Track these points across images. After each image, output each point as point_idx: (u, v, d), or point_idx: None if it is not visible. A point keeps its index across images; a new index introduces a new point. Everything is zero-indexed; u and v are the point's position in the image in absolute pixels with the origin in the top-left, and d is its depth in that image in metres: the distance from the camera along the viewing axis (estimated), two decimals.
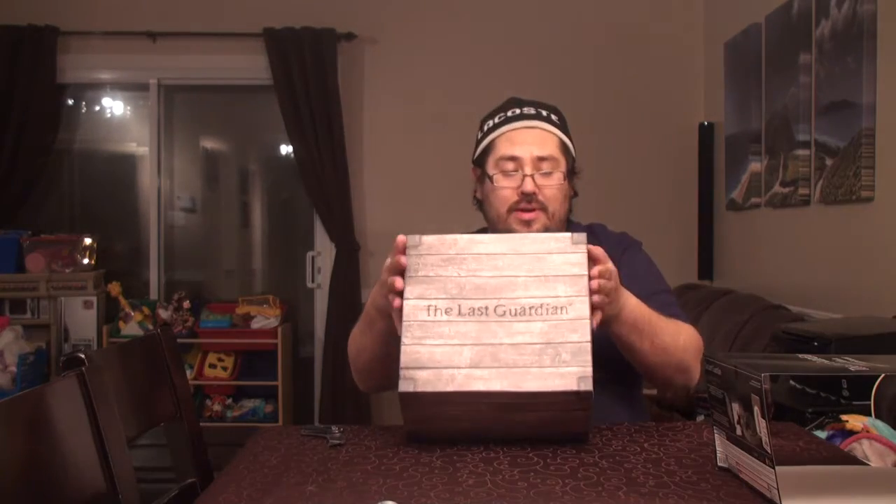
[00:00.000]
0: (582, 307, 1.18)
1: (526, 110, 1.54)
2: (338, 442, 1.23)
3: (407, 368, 1.15)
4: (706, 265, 3.86)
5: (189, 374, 3.85)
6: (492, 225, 1.59)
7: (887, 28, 2.34)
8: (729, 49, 3.56)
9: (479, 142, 1.60)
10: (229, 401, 4.04)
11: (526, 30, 4.08)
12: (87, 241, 4.00)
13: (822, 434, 1.36)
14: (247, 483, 1.06)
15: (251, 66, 4.01)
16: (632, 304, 1.36)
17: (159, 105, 4.18)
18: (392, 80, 4.08)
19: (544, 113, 1.55)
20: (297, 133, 3.95)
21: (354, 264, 4.01)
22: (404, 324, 1.18)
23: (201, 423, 1.74)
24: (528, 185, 1.49)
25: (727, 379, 1.01)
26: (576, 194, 1.63)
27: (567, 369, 1.13)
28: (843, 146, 2.52)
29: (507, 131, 1.53)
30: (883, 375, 1.40)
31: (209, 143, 4.51)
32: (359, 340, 1.47)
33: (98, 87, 4.30)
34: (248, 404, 4.04)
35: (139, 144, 4.30)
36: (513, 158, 1.51)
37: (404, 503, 0.96)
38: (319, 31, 3.93)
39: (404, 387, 1.14)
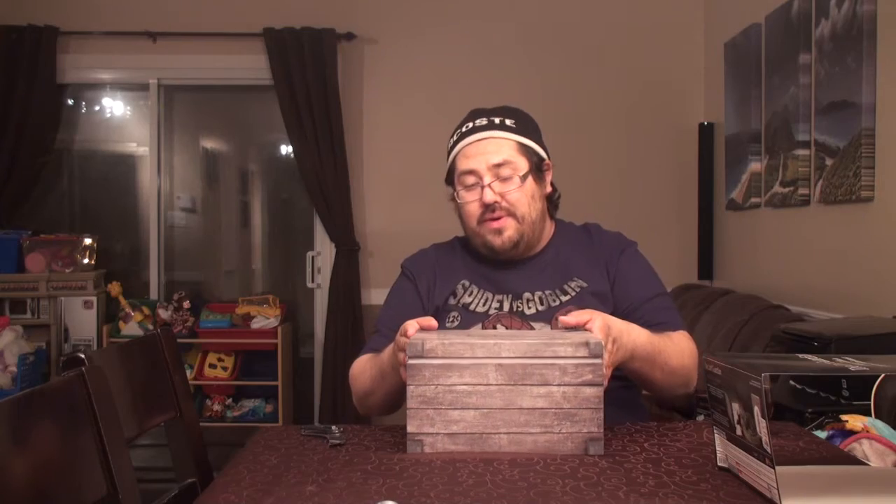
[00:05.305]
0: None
1: (478, 122, 1.54)
2: (338, 442, 1.23)
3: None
4: (706, 265, 3.86)
5: (189, 374, 3.85)
6: (470, 239, 1.61)
7: (887, 28, 2.34)
8: (729, 49, 3.56)
9: (447, 161, 1.61)
10: (229, 401, 4.05)
11: (526, 30, 4.08)
12: (87, 241, 4.00)
13: (822, 434, 1.36)
14: (247, 483, 1.06)
15: (251, 66, 4.02)
16: (642, 339, 1.38)
17: (159, 105, 4.18)
18: (392, 80, 4.08)
19: (496, 121, 1.54)
20: (297, 133, 3.95)
21: (354, 264, 4.01)
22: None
23: (201, 423, 1.74)
24: (488, 196, 1.50)
25: (727, 379, 1.01)
26: (554, 191, 1.62)
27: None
28: (842, 146, 2.52)
29: (463, 147, 1.54)
30: (883, 375, 1.39)
31: (209, 143, 4.51)
32: (368, 385, 1.50)
33: (98, 87, 4.30)
34: (248, 404, 4.05)
35: (139, 144, 4.30)
36: (471, 172, 1.52)
37: (404, 503, 0.96)
38: (319, 31, 3.93)
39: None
